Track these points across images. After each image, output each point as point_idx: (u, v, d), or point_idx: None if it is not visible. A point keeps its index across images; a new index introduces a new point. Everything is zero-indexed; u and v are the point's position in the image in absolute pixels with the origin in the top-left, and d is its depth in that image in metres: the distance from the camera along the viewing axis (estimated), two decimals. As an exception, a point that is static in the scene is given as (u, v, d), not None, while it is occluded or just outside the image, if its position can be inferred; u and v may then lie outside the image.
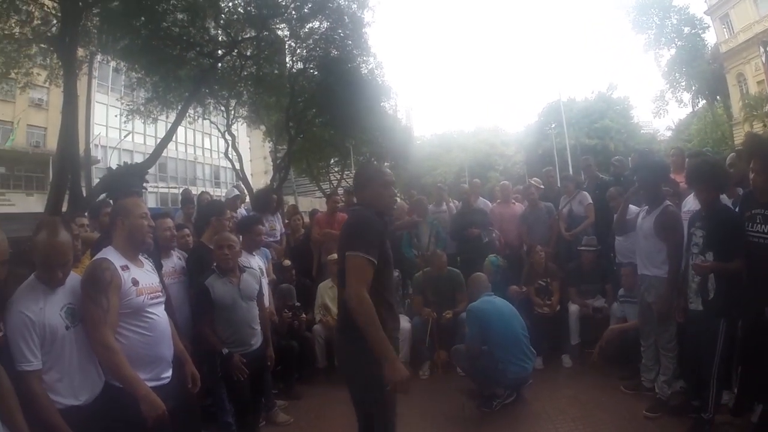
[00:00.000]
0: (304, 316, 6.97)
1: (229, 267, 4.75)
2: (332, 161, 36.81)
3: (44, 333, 2.88)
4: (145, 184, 6.32)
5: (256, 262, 5.72)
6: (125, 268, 3.19)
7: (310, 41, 20.43)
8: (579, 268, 7.38)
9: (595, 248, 7.32)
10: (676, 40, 42.87)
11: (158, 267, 3.93)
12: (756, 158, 4.31)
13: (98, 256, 3.25)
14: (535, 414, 5.58)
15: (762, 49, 23.26)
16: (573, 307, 7.01)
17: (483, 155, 60.59)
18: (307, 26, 19.52)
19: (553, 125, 48.78)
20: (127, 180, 5.09)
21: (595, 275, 7.28)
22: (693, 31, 43.30)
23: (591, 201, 8.12)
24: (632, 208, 6.09)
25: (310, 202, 37.92)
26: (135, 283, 3.19)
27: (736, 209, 4.73)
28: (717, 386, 4.40)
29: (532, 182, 9.59)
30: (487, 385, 5.72)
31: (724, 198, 5.10)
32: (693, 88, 43.99)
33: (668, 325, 5.18)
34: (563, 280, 7.34)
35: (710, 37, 44.06)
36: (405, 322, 6.85)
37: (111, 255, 3.21)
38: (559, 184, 9.70)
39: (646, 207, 5.50)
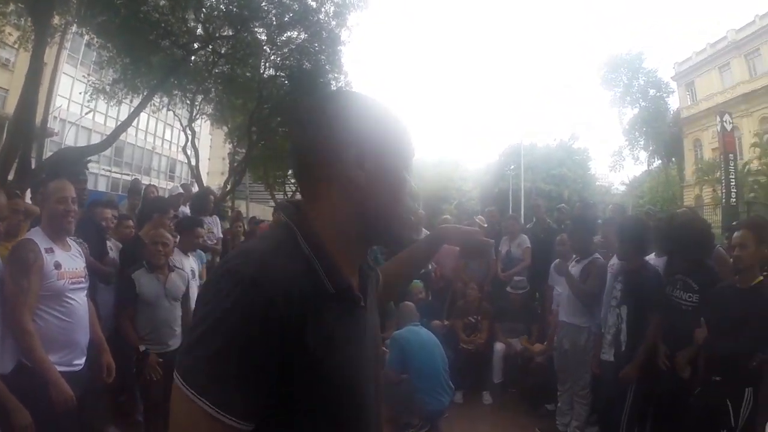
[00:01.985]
0: None
1: (159, 263, 4.72)
2: (289, 172, 36.58)
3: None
4: (90, 166, 6.27)
5: (189, 263, 5.65)
6: (49, 250, 3.20)
7: (286, 50, 20.36)
8: (507, 307, 7.52)
9: (523, 290, 7.50)
10: (641, 100, 45.48)
11: (101, 252, 3.93)
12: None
13: (26, 236, 3.27)
14: (447, 447, 5.63)
15: (719, 119, 24.23)
16: (498, 346, 7.10)
17: (440, 187, 60.87)
18: (285, 35, 19.46)
19: (512, 167, 49.55)
20: (75, 165, 5.00)
21: (522, 315, 7.46)
22: (658, 93, 46.31)
23: (529, 245, 8.26)
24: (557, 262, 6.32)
25: (262, 210, 37.57)
26: (57, 266, 3.19)
27: None
28: None
29: (477, 220, 9.74)
30: (403, 414, 5.75)
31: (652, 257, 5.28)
32: (651, 147, 46.56)
33: (583, 372, 5.40)
34: (492, 319, 7.44)
35: (673, 102, 46.97)
36: None
37: (37, 236, 3.22)
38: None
39: (576, 257, 5.71)
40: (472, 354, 7.09)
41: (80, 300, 3.38)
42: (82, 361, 3.39)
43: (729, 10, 65.27)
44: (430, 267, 8.32)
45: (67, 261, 3.30)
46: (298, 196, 1.35)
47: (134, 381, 4.66)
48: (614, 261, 5.52)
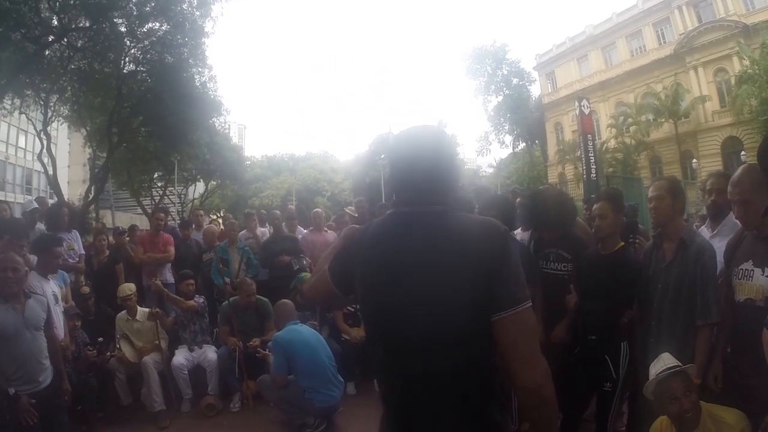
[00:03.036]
0: (108, 353, 6.44)
1: (11, 292, 4.17)
2: (156, 175, 35.29)
3: None
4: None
5: (50, 287, 5.14)
6: None
7: (147, 43, 19.63)
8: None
9: None
10: (505, 89, 48.82)
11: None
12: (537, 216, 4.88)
13: None
14: (349, 440, 5.58)
15: (577, 104, 26.30)
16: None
17: (312, 180, 61.12)
18: (146, 26, 18.86)
19: (383, 156, 50.27)
20: None
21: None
22: (521, 82, 49.90)
23: None
24: None
25: (129, 218, 36.05)
26: None
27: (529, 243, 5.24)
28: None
29: (347, 210, 9.68)
30: (296, 415, 5.67)
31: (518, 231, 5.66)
32: (515, 132, 50.06)
33: None
34: None
35: (535, 90, 51.24)
36: (212, 353, 6.70)
37: None
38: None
39: None
40: (357, 344, 6.89)
41: None
42: None
43: (586, 7, 70.30)
44: (305, 262, 8.13)
45: None
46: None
47: (8, 430, 4.05)
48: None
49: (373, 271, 1.88)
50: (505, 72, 48.50)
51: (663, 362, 3.10)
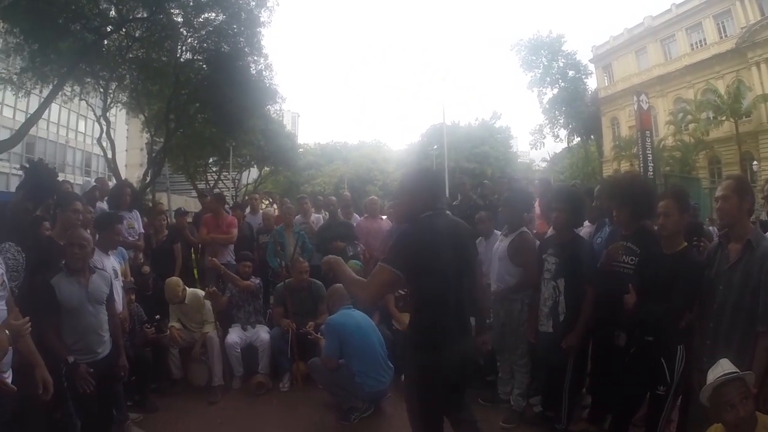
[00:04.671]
0: (167, 332, 6.67)
1: (77, 267, 4.36)
2: (211, 160, 35.90)
3: None
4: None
5: (111, 263, 5.36)
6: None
7: (203, 32, 19.85)
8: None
9: None
10: (560, 81, 47.15)
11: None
12: (618, 198, 4.62)
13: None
14: (394, 427, 5.54)
15: (636, 99, 25.55)
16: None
17: (364, 169, 60.99)
18: (203, 16, 19.03)
19: (435, 146, 49.99)
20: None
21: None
22: (577, 75, 48.25)
23: None
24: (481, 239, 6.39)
25: (184, 201, 36.71)
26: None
27: (596, 236, 5.22)
28: (569, 399, 4.72)
29: None
30: (345, 398, 5.69)
31: (587, 226, 5.53)
32: (570, 126, 48.20)
33: (519, 342, 5.46)
34: None
35: (592, 83, 49.44)
36: (264, 333, 6.83)
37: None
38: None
39: (505, 231, 5.76)
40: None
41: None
42: (8, 376, 3.13)
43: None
44: (359, 248, 8.19)
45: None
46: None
47: (66, 395, 4.22)
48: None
49: (435, 248, 3.25)
50: (561, 64, 47.17)
51: (721, 368, 2.98)
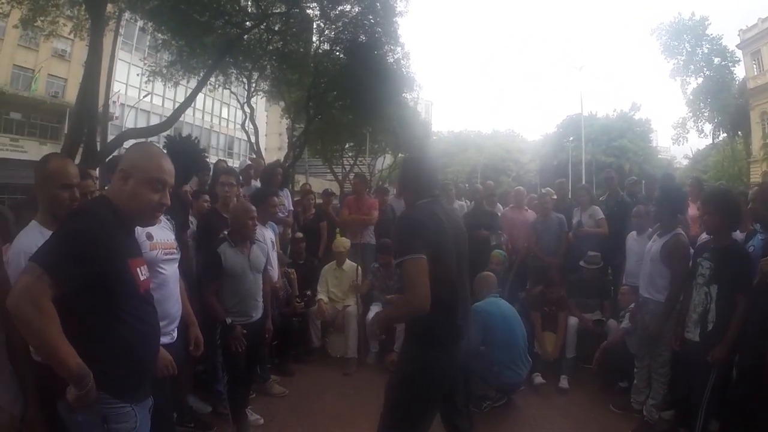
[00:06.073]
0: (314, 306, 7.18)
1: (252, 237, 4.80)
2: (347, 146, 36.62)
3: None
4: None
5: (269, 234, 5.80)
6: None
7: (340, 24, 20.20)
8: (580, 282, 7.39)
9: (597, 266, 7.35)
10: (705, 69, 41.87)
11: (184, 226, 3.94)
12: None
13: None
14: (523, 421, 5.59)
15: None
16: (572, 320, 6.90)
17: (498, 159, 60.54)
18: (339, 8, 19.33)
19: (572, 138, 48.79)
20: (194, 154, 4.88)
21: (595, 290, 7.32)
22: (723, 62, 42.47)
23: (603, 216, 8.12)
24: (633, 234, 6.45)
25: (320, 183, 37.80)
26: (149, 237, 3.18)
27: (748, 244, 4.72)
28: (705, 416, 4.40)
29: (548, 191, 9.52)
30: (479, 386, 5.67)
31: (737, 234, 5.05)
32: (716, 119, 43.13)
33: (662, 350, 5.20)
34: (567, 306, 7.05)
35: (739, 72, 43.58)
36: None
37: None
38: (570, 197, 9.71)
39: (658, 231, 5.48)
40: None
41: (172, 271, 3.39)
42: (175, 333, 3.43)
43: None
44: (502, 239, 8.21)
45: (159, 233, 3.28)
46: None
47: (215, 352, 4.63)
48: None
49: (441, 231, 3.08)
50: (706, 50, 42.16)
51: None
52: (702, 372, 4.39)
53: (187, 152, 4.54)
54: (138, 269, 2.45)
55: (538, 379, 6.41)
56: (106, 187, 3.83)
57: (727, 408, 4.42)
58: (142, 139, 11.78)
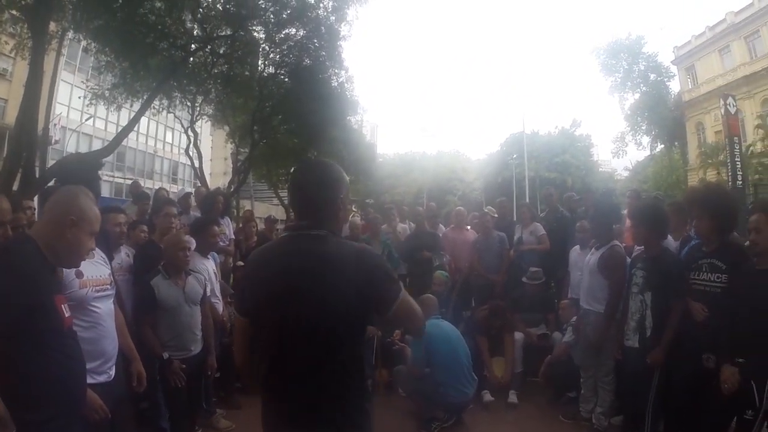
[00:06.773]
0: None
1: (185, 269, 4.71)
2: (292, 170, 36.60)
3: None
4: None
5: (210, 264, 5.67)
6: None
7: (285, 47, 20.28)
8: (523, 297, 7.52)
9: (539, 281, 7.51)
10: (642, 85, 44.20)
11: (109, 259, 3.87)
12: (698, 209, 4.47)
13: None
14: (474, 438, 5.61)
15: (722, 102, 24.06)
16: (518, 336, 6.97)
17: (443, 179, 60.99)
18: (284, 32, 19.38)
19: (515, 156, 49.61)
20: (79, 171, 4.85)
21: (538, 305, 7.44)
22: (659, 78, 45.05)
23: (544, 232, 8.28)
24: (576, 248, 6.65)
25: (266, 208, 37.63)
26: (79, 275, 3.10)
27: (683, 250, 4.95)
28: (652, 419, 4.53)
29: (488, 210, 9.65)
30: (427, 408, 5.73)
31: (670, 240, 5.27)
32: (653, 132, 45.62)
33: (605, 359, 5.38)
34: (513, 329, 7.05)
35: (674, 86, 46.26)
36: None
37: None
38: (514, 215, 9.87)
39: (596, 244, 5.69)
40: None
41: (106, 308, 3.29)
42: (112, 371, 3.30)
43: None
44: (444, 259, 8.27)
45: (90, 268, 3.19)
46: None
47: (156, 388, 4.55)
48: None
49: (271, 285, 2.21)
50: (642, 67, 44.51)
51: None
52: (645, 377, 4.53)
53: (79, 176, 4.49)
54: (63, 306, 2.45)
55: (487, 396, 6.47)
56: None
57: (670, 413, 4.58)
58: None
